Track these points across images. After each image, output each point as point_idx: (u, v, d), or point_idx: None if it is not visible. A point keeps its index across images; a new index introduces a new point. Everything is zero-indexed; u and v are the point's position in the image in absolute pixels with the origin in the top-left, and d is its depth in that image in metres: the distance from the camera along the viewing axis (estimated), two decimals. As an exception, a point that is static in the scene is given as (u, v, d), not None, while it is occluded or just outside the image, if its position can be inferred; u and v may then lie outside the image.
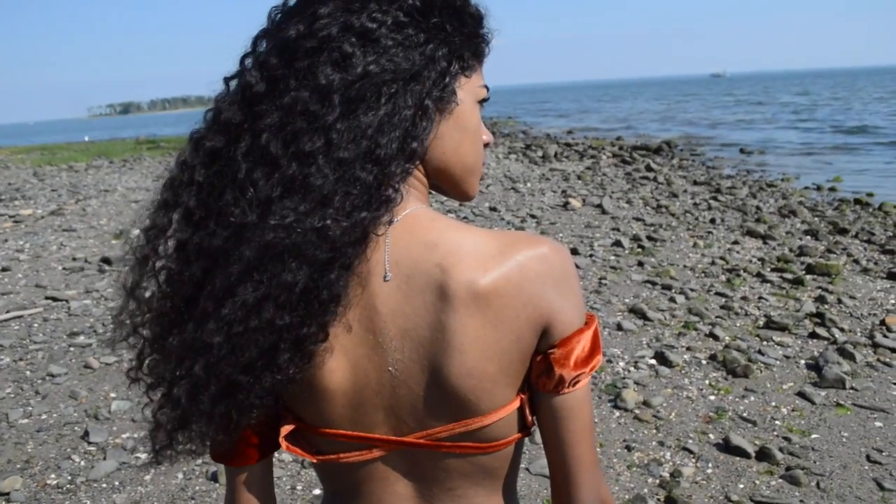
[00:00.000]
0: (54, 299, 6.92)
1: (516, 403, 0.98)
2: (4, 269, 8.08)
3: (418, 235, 0.94)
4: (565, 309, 0.95)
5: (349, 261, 0.90)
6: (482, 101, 1.05)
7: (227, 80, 0.98)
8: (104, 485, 3.75)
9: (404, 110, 0.92)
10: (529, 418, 1.00)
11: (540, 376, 0.97)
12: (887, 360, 5.17)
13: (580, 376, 0.96)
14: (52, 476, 3.82)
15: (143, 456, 4.00)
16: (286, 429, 1.02)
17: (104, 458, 3.97)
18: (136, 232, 1.00)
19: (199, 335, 0.90)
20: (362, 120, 0.89)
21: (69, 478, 3.80)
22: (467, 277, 0.90)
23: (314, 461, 1.04)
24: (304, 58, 0.90)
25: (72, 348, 5.61)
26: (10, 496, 3.62)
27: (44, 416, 4.49)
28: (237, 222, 0.88)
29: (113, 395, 4.78)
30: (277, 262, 0.87)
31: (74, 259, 8.59)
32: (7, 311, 6.51)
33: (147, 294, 0.97)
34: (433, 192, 1.07)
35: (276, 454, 3.96)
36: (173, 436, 0.98)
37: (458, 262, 0.91)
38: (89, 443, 4.14)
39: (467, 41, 1.00)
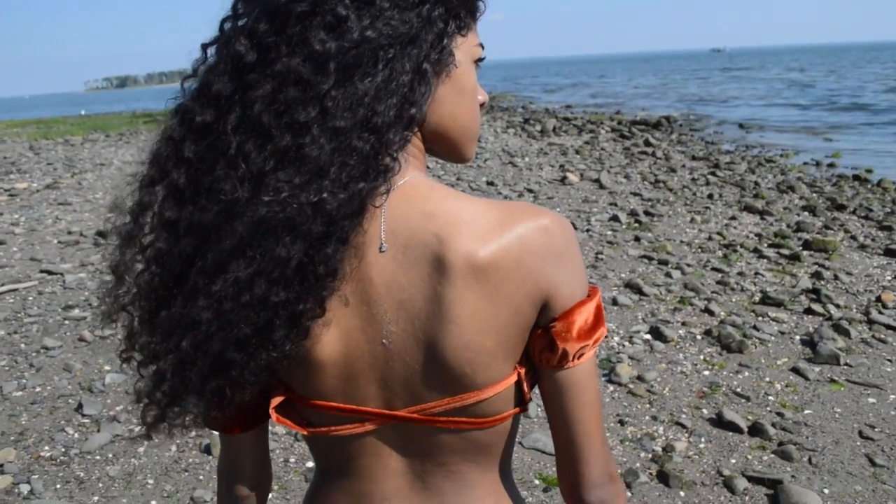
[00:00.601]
0: (49, 272, 6.90)
1: (513, 378, 0.95)
2: (0, 243, 8.05)
3: (416, 205, 0.92)
4: (566, 282, 0.93)
5: (346, 234, 0.87)
6: (478, 61, 1.02)
7: (204, 48, 0.94)
8: (98, 457, 3.75)
9: (402, 75, 0.87)
10: (527, 392, 0.98)
11: (543, 352, 0.95)
12: (882, 336, 5.17)
13: (584, 349, 0.94)
14: (46, 448, 3.83)
15: (137, 428, 3.99)
16: (276, 400, 1.00)
17: (98, 431, 3.98)
18: (119, 209, 0.97)
19: (187, 311, 0.88)
20: (358, 87, 0.85)
21: (63, 450, 3.81)
22: (466, 248, 0.88)
23: (305, 433, 1.02)
24: (296, 23, 0.86)
25: (66, 321, 5.60)
26: (3, 468, 3.63)
27: (38, 389, 4.49)
28: (228, 198, 0.85)
29: (107, 367, 4.78)
30: (271, 236, 0.84)
31: (70, 233, 8.57)
32: (2, 285, 6.50)
33: (135, 272, 0.95)
34: (429, 155, 1.04)
35: (270, 426, 3.97)
36: (165, 411, 0.97)
37: (457, 232, 0.89)
38: (83, 415, 4.15)
39: None
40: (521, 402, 0.99)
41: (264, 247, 0.84)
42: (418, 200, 0.92)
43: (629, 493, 3.41)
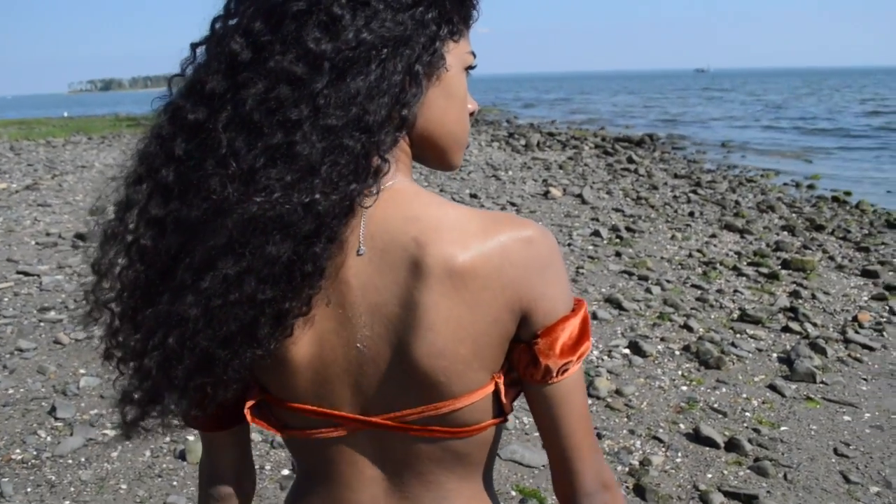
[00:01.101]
0: (26, 274, 6.83)
1: (490, 388, 0.94)
2: (-24, 243, 7.97)
3: (399, 209, 0.90)
4: (548, 296, 0.91)
5: (334, 233, 0.86)
6: (468, 69, 1.01)
7: (194, 47, 0.94)
8: (70, 461, 3.70)
9: (394, 76, 0.87)
10: (506, 404, 0.97)
11: (527, 368, 0.93)
12: (858, 355, 5.21)
13: (568, 364, 0.92)
14: (18, 451, 3.78)
15: (111, 433, 3.96)
16: (251, 401, 0.99)
17: (71, 434, 3.93)
18: (102, 209, 0.96)
19: (174, 307, 0.86)
20: (351, 86, 0.84)
21: (34, 453, 3.76)
22: (444, 253, 0.86)
23: (280, 435, 1.01)
24: (292, 21, 0.85)
25: (42, 323, 5.54)
26: (-27, 470, 3.58)
27: (10, 391, 4.43)
28: (218, 196, 0.83)
29: (82, 371, 4.72)
30: (261, 235, 0.83)
31: (48, 234, 8.48)
32: (-23, 285, 6.42)
33: (118, 269, 0.93)
34: (416, 164, 1.03)
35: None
36: (145, 409, 0.95)
37: (437, 237, 0.87)
38: (56, 418, 4.10)
39: (457, 4, 0.95)
40: (501, 412, 0.98)
41: (254, 245, 0.83)
42: (401, 205, 0.91)
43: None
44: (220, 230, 0.84)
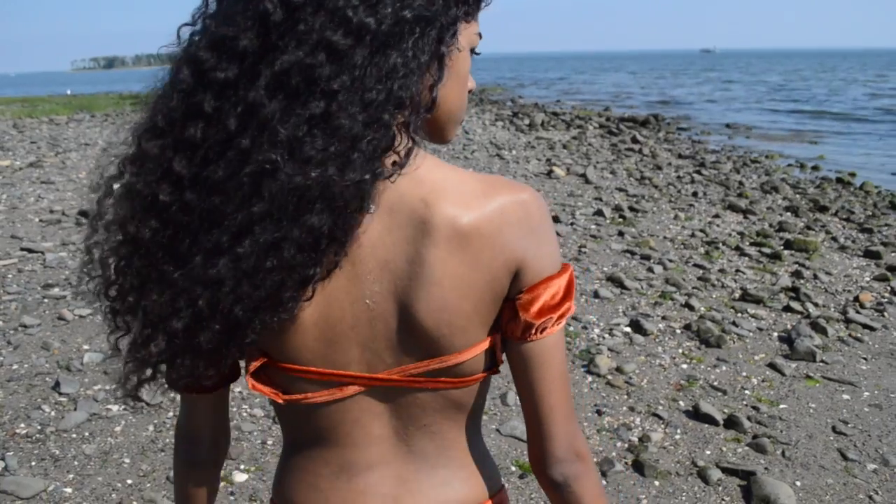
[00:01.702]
0: (30, 251, 6.85)
1: (488, 343, 0.98)
2: (-20, 220, 7.99)
3: (405, 170, 0.92)
4: (538, 255, 0.95)
5: (364, 203, 0.89)
6: (473, 50, 1.02)
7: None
8: (74, 435, 3.74)
9: (424, 55, 0.87)
10: (499, 356, 1.01)
11: (508, 322, 0.97)
12: (858, 335, 5.22)
13: (546, 322, 0.96)
14: (22, 425, 3.81)
15: (115, 408, 3.99)
16: (253, 366, 0.98)
17: (75, 409, 3.96)
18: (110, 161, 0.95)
19: (208, 270, 0.86)
20: (390, 61, 0.85)
21: (39, 427, 3.79)
22: (450, 213, 0.90)
23: (280, 402, 1.00)
24: None
25: (46, 300, 5.57)
26: (-22, 443, 3.61)
27: (15, 367, 4.46)
28: (261, 163, 0.83)
29: (86, 347, 4.75)
30: (306, 204, 0.83)
31: (52, 211, 8.50)
32: (-19, 261, 6.44)
33: (131, 226, 0.91)
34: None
35: (248, 409, 3.94)
36: (157, 369, 0.96)
37: (443, 198, 0.91)
38: (60, 393, 4.13)
39: None
40: (495, 363, 1.02)
41: (296, 213, 0.84)
42: (407, 167, 0.92)
43: (604, 482, 3.44)
44: (261, 196, 0.83)
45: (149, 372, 0.97)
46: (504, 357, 1.02)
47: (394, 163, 0.89)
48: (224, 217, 0.85)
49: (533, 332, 0.96)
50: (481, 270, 0.92)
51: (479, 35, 1.01)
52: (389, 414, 1.01)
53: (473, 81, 1.06)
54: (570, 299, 0.98)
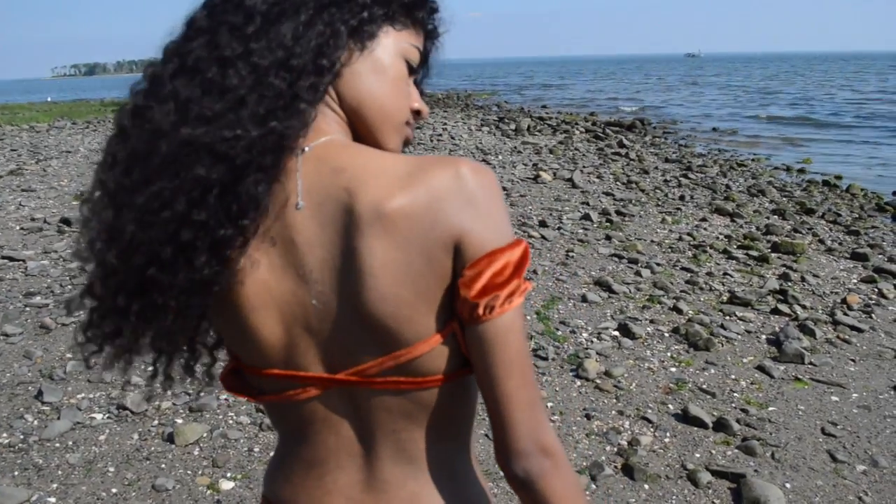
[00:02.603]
0: (11, 259, 6.77)
1: (446, 333, 0.92)
2: (-38, 228, 7.90)
3: (328, 161, 0.93)
4: (478, 229, 0.88)
5: (266, 166, 0.90)
6: (411, 66, 1.04)
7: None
8: (57, 444, 3.68)
9: (317, 26, 0.94)
10: (465, 350, 0.94)
11: (456, 302, 0.91)
12: (846, 337, 5.23)
13: (493, 301, 0.88)
14: (4, 435, 3.75)
15: (99, 416, 3.94)
16: (226, 369, 1.06)
17: (58, 418, 3.90)
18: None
19: (115, 223, 0.91)
20: (279, 30, 0.92)
21: (22, 437, 3.73)
22: (371, 198, 0.88)
23: (253, 401, 1.06)
24: None
25: (27, 308, 5.50)
26: (-41, 454, 3.55)
27: (-3, 375, 4.40)
28: (156, 124, 0.90)
29: (69, 355, 4.69)
30: (193, 157, 0.88)
31: (33, 219, 8.42)
32: (-37, 270, 6.36)
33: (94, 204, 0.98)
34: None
35: (234, 416, 3.89)
36: (105, 342, 0.99)
37: (364, 184, 0.89)
38: (43, 402, 4.07)
39: None
40: (466, 363, 0.95)
41: (186, 165, 0.88)
42: (331, 157, 0.93)
43: (594, 486, 3.41)
44: (157, 153, 0.89)
45: (97, 342, 1.00)
46: None
47: (290, 125, 0.92)
48: (135, 181, 0.91)
49: (480, 311, 0.88)
50: (414, 253, 0.88)
51: (419, 51, 1.05)
52: (356, 417, 0.99)
53: (424, 105, 1.08)
54: (519, 276, 0.90)
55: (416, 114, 1.07)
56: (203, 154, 0.88)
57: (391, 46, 1.01)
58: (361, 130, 1.02)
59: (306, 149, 0.94)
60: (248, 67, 0.91)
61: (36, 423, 3.88)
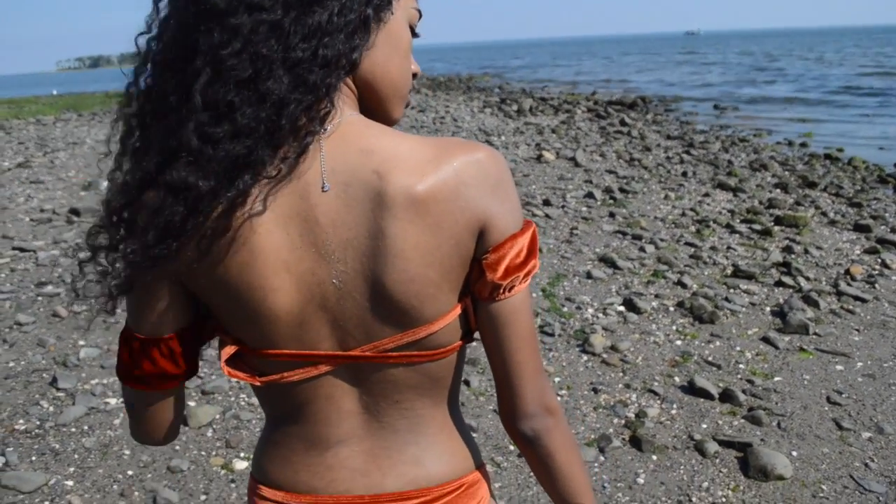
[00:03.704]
0: (21, 250, 6.83)
1: (459, 309, 0.98)
2: (-30, 221, 7.96)
3: (353, 143, 0.92)
4: (501, 214, 0.94)
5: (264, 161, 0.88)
6: (413, 30, 1.04)
7: None
8: (73, 429, 3.75)
9: (350, 14, 0.91)
10: (473, 322, 1.01)
11: (476, 283, 0.97)
12: (850, 307, 5.26)
13: (514, 281, 0.96)
14: (21, 421, 3.81)
15: (113, 401, 4.00)
16: (227, 352, 1.01)
17: (73, 404, 3.96)
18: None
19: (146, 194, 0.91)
20: (314, 19, 0.88)
21: (38, 423, 3.79)
22: (404, 183, 0.89)
23: (257, 384, 1.02)
24: None
25: (39, 297, 5.56)
26: (-23, 441, 3.62)
27: (11, 364, 4.46)
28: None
29: (81, 342, 4.75)
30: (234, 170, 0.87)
31: (42, 210, 8.47)
32: (-27, 262, 6.42)
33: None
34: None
35: (246, 398, 3.94)
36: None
37: (395, 167, 0.90)
38: (58, 389, 4.13)
39: None
40: (468, 333, 1.02)
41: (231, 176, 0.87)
42: (355, 138, 0.93)
43: (602, 458, 3.47)
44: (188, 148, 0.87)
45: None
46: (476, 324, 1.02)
47: (306, 127, 0.90)
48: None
49: (501, 292, 0.96)
50: (444, 236, 0.92)
51: (419, 12, 1.04)
52: (361, 390, 1.02)
53: (417, 66, 1.08)
54: (534, 257, 0.98)
55: (413, 75, 1.08)
56: (244, 170, 0.88)
57: (400, 15, 1.00)
58: (371, 102, 1.01)
59: (328, 128, 0.93)
60: (284, 65, 0.87)
61: (51, 409, 3.95)
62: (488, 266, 0.95)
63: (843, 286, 5.62)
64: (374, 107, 1.02)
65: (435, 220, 0.90)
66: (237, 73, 0.85)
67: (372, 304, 0.94)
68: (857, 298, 5.43)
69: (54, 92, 39.08)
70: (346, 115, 0.95)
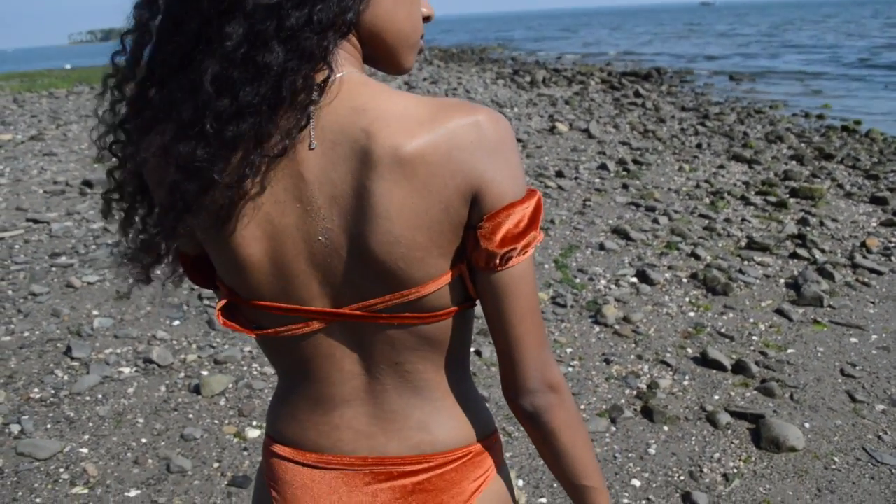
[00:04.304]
0: (35, 221, 6.86)
1: (454, 274, 0.95)
2: (-16, 192, 7.99)
3: (345, 100, 0.90)
4: (497, 180, 0.90)
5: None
6: None
7: None
8: (87, 398, 3.78)
9: None
10: (472, 290, 0.98)
11: (472, 252, 0.93)
12: (866, 280, 5.22)
13: (511, 252, 0.91)
14: (36, 390, 3.85)
15: (127, 370, 4.02)
16: (221, 302, 1.03)
17: (87, 373, 3.99)
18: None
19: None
20: None
21: (52, 391, 3.83)
22: (392, 142, 0.86)
23: (252, 335, 1.03)
24: None
25: (53, 268, 5.59)
26: (-7, 408, 3.66)
27: (26, 334, 4.49)
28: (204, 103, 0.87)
29: (95, 312, 4.78)
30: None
31: (55, 182, 8.49)
32: (-13, 233, 6.46)
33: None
34: (368, 65, 1.02)
35: (258, 367, 3.95)
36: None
37: (385, 126, 0.87)
38: (72, 358, 4.16)
39: None
40: (469, 298, 0.99)
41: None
42: (349, 96, 0.90)
43: (613, 428, 3.47)
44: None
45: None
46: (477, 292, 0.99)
47: (303, 91, 0.87)
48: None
49: (497, 262, 0.91)
50: (432, 200, 0.88)
51: None
52: (360, 351, 1.00)
53: (430, 7, 1.05)
54: (535, 228, 0.93)
55: (425, 19, 1.04)
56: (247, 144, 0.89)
57: None
58: (379, 54, 0.99)
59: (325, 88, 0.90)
60: (276, 32, 0.86)
61: (66, 377, 3.98)
62: (483, 235, 0.90)
63: (858, 258, 5.57)
64: (382, 57, 1.00)
65: (423, 182, 0.87)
66: (234, 51, 0.84)
67: (359, 264, 0.92)
68: (872, 271, 5.38)
69: (67, 66, 39.09)
70: (343, 72, 0.92)
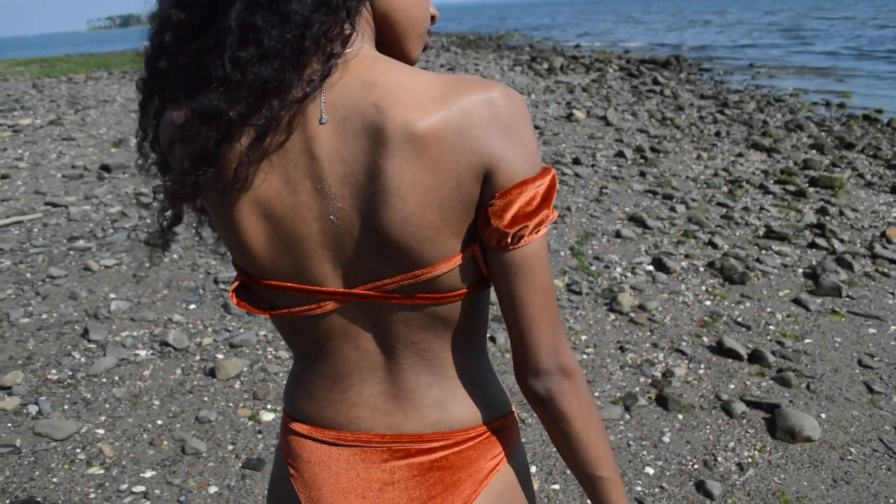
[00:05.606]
0: (54, 205, 6.91)
1: (466, 255, 0.93)
2: (4, 177, 8.04)
3: (357, 75, 0.89)
4: (510, 157, 0.88)
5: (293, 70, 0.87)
6: None
7: None
8: (104, 379, 3.81)
9: None
10: (485, 270, 0.96)
11: (484, 230, 0.92)
12: (885, 270, 5.17)
13: (522, 231, 0.90)
14: (53, 371, 3.88)
15: (143, 353, 4.05)
16: (235, 283, 1.04)
17: (104, 355, 4.02)
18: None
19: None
20: None
21: (70, 373, 3.86)
22: (403, 118, 0.85)
23: (265, 316, 1.03)
24: None
25: (71, 252, 5.63)
26: (11, 390, 3.69)
27: (44, 316, 4.53)
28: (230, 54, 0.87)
29: (112, 295, 4.81)
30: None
31: (74, 167, 8.55)
32: (7, 217, 6.51)
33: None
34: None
35: (273, 351, 3.96)
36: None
37: (397, 102, 0.86)
38: (89, 340, 4.19)
39: None
40: (483, 279, 0.98)
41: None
42: (360, 71, 0.90)
43: (627, 416, 3.46)
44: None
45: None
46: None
47: (331, 53, 0.88)
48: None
49: (509, 240, 0.90)
50: (444, 177, 0.87)
51: None
52: (376, 330, 1.00)
53: (436, 9, 1.06)
54: (547, 206, 0.91)
55: (431, 18, 1.05)
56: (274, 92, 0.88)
57: None
58: (388, 38, 0.99)
59: (346, 53, 0.90)
60: None
61: (83, 359, 4.01)
62: (494, 213, 0.89)
63: (878, 249, 5.51)
64: (391, 43, 1.00)
65: (434, 159, 0.86)
66: None
67: (371, 244, 0.91)
68: (892, 261, 5.32)
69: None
70: (356, 46, 0.92)
